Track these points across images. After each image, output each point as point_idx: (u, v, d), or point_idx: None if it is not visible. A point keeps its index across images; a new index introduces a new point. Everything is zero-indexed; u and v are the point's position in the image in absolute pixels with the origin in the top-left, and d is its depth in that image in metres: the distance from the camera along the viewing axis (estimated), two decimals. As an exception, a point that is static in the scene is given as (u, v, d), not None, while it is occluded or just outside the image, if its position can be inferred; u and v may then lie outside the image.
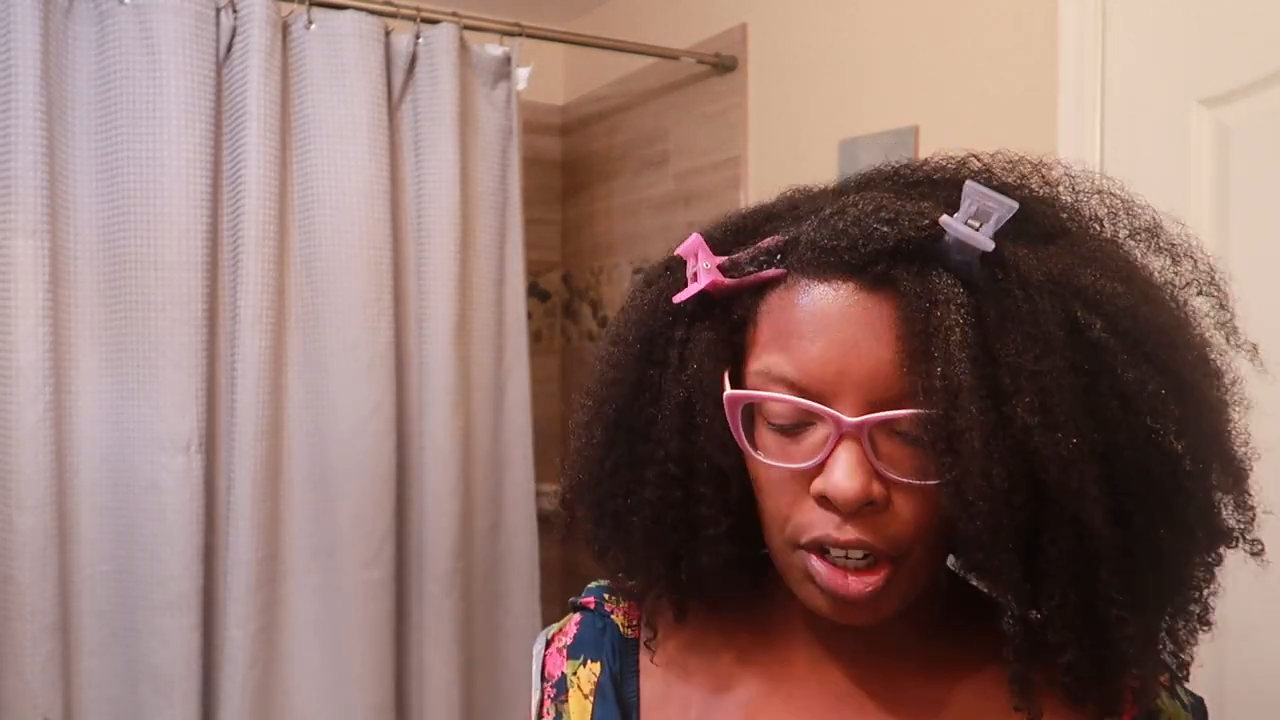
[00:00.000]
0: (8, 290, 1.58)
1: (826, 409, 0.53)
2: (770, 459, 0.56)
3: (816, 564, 0.55)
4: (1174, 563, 0.54)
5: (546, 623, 2.18)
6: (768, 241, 0.59)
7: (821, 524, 0.54)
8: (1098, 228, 0.60)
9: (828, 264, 0.54)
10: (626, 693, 0.66)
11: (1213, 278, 0.60)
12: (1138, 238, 0.61)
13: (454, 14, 1.92)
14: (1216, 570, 0.57)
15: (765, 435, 0.57)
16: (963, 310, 0.51)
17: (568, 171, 2.84)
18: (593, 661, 0.68)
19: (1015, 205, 0.52)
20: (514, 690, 2.04)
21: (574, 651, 0.69)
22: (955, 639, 0.63)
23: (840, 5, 1.91)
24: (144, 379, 1.67)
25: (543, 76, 2.45)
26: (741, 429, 0.57)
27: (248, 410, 1.71)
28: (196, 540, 1.69)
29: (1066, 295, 0.52)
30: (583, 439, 0.65)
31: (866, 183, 0.63)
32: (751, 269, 0.58)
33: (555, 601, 2.74)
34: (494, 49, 2.01)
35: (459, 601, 1.91)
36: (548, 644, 0.71)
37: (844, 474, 0.52)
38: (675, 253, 0.61)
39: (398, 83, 1.90)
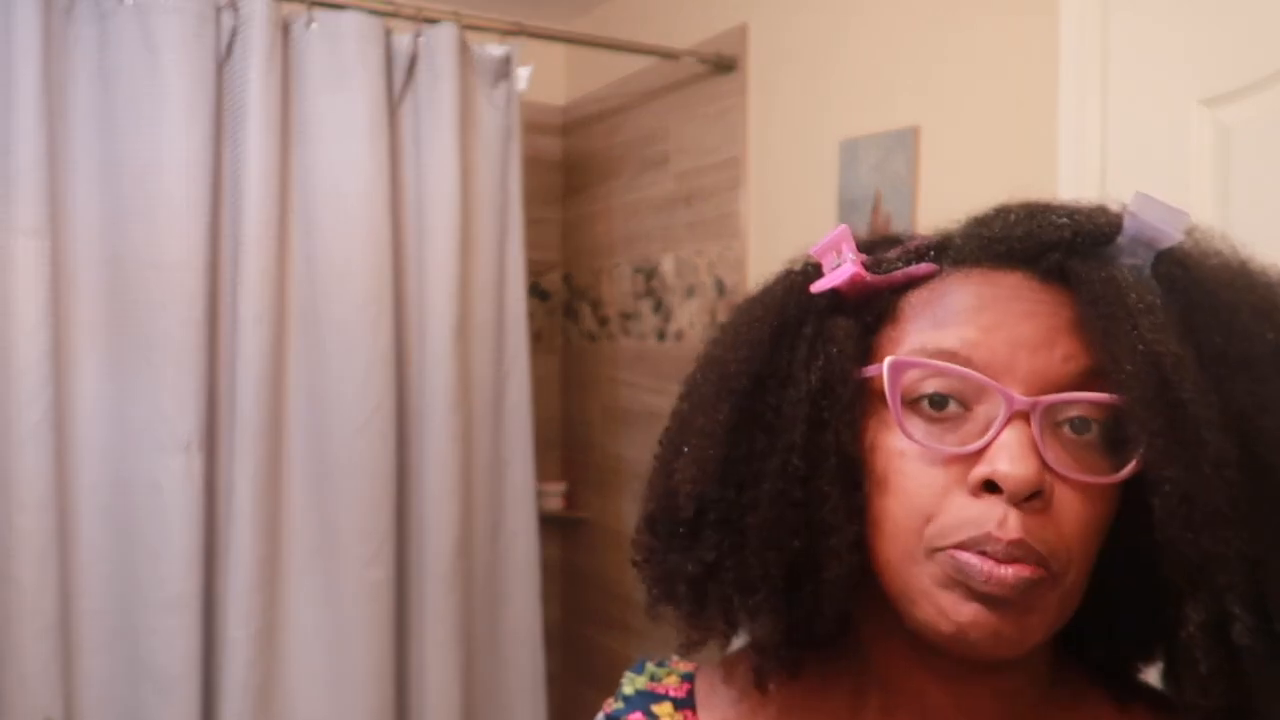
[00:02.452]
0: (8, 290, 1.58)
1: (998, 384, 0.48)
2: (935, 445, 0.50)
3: (967, 557, 0.48)
4: None
5: (547, 622, 2.19)
6: (916, 241, 0.57)
7: (980, 519, 0.48)
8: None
9: (995, 254, 0.53)
10: None
11: None
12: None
13: (454, 14, 1.92)
14: None
15: (912, 425, 0.51)
16: (1157, 296, 0.49)
17: (568, 171, 2.84)
18: None
19: (1188, 214, 0.51)
20: (514, 690, 2.04)
21: None
22: (1081, 699, 0.57)
23: (840, 5, 1.91)
24: (144, 379, 1.67)
25: (543, 76, 2.45)
26: (898, 407, 0.51)
27: (248, 410, 1.71)
28: (197, 540, 1.69)
29: (1242, 297, 0.51)
30: (682, 438, 0.58)
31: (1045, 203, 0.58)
32: (899, 264, 0.55)
33: (555, 601, 2.74)
34: (494, 49, 2.01)
35: (459, 601, 1.91)
36: None
37: (1013, 456, 0.47)
38: (815, 248, 0.57)
39: (398, 83, 1.90)
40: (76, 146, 1.67)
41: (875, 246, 0.58)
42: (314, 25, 1.81)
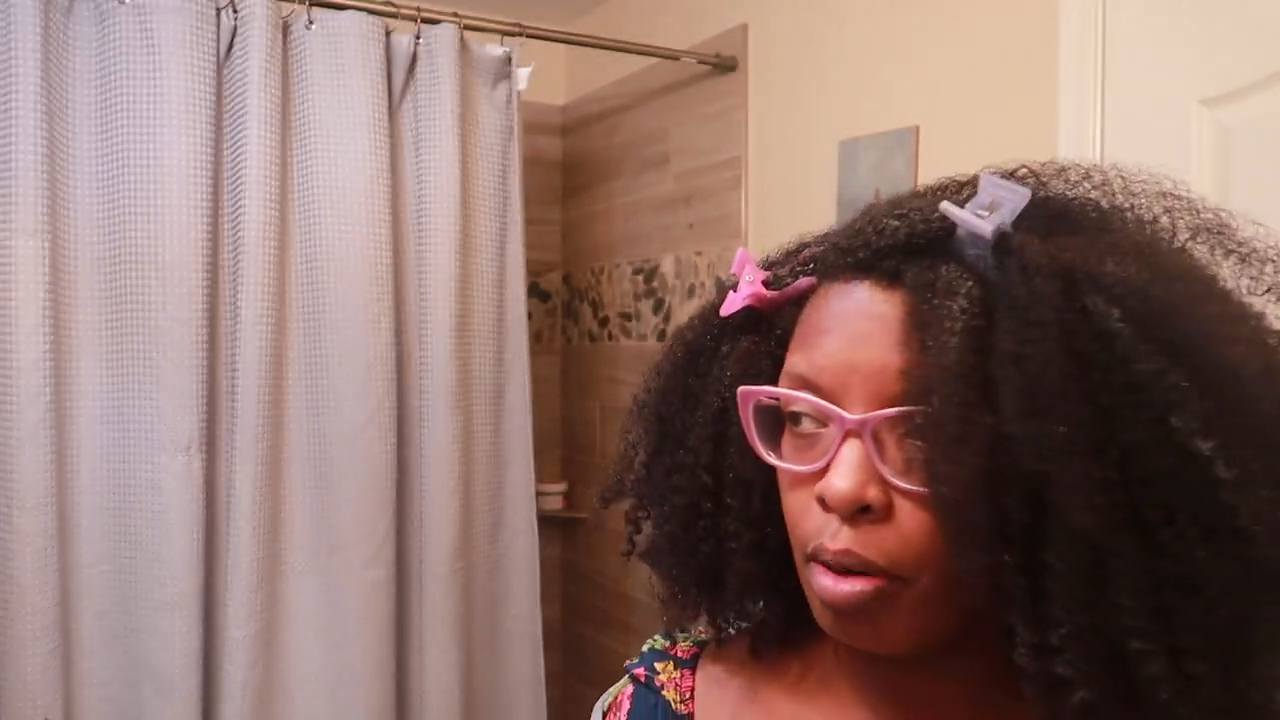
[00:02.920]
0: (8, 290, 1.58)
1: (829, 405, 0.51)
2: (786, 465, 0.54)
3: (816, 573, 0.52)
4: (1224, 596, 0.45)
5: (547, 622, 2.18)
6: (806, 252, 0.59)
7: (819, 531, 0.51)
8: (1150, 229, 0.55)
9: (845, 265, 0.54)
10: None
11: None
12: (1200, 238, 0.56)
13: (454, 14, 1.93)
14: None
15: (788, 442, 0.55)
16: (964, 300, 0.48)
17: (568, 171, 2.84)
18: None
19: (1028, 193, 0.49)
20: (514, 690, 2.04)
21: None
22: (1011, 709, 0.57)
23: (840, 5, 1.91)
24: (144, 379, 1.67)
25: (543, 76, 2.45)
26: (756, 430, 0.55)
27: (248, 410, 1.71)
28: (197, 540, 1.69)
29: (1080, 283, 0.47)
30: (628, 442, 0.66)
31: (914, 194, 0.59)
32: (789, 280, 0.58)
33: (555, 602, 2.74)
34: (494, 49, 2.01)
35: (459, 601, 1.91)
36: (604, 716, 0.68)
37: (839, 473, 0.49)
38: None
39: (398, 83, 1.90)
40: (76, 146, 1.67)
41: (788, 257, 0.61)
42: (314, 25, 1.81)
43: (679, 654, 0.68)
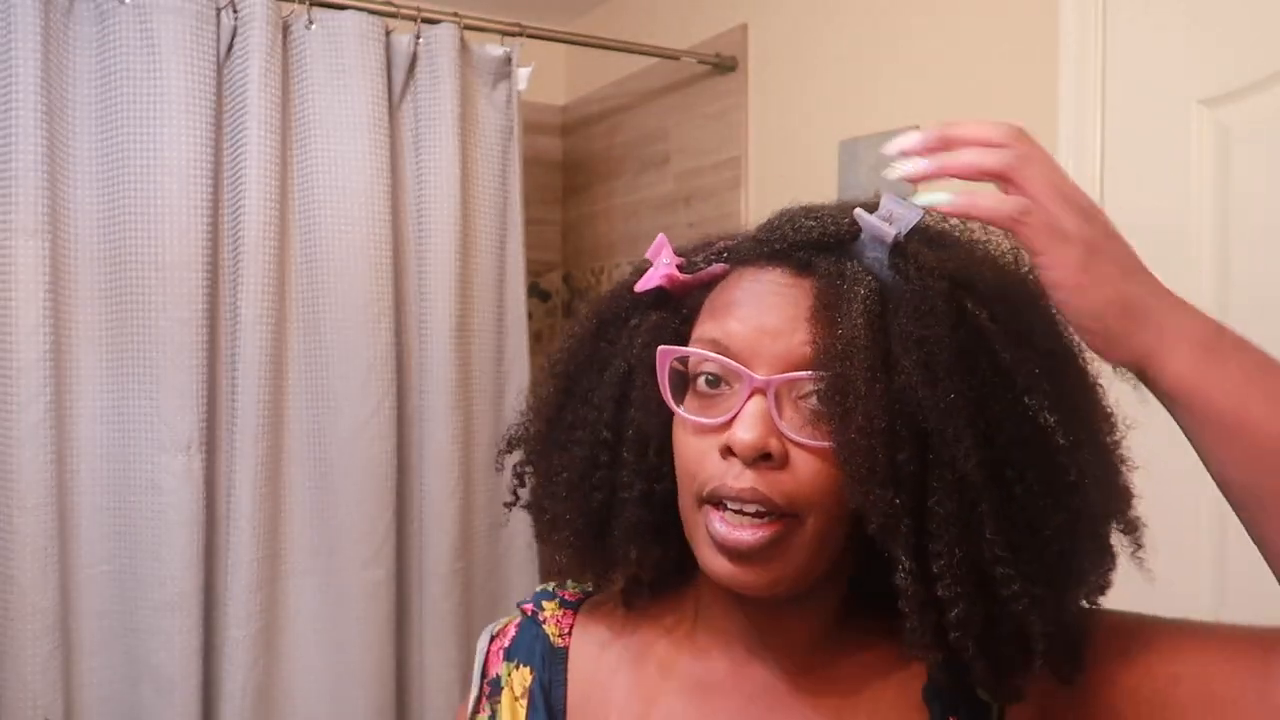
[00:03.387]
0: (8, 290, 1.58)
1: (741, 366, 0.60)
2: (692, 416, 0.62)
3: (714, 516, 0.60)
4: (1058, 535, 0.58)
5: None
6: (718, 244, 0.68)
7: (723, 474, 0.59)
8: (997, 249, 0.66)
9: (761, 254, 0.63)
10: (554, 700, 0.71)
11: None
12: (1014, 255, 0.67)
13: (455, 14, 1.93)
14: (1108, 554, 0.63)
15: (691, 400, 0.63)
16: (866, 288, 0.58)
17: (568, 172, 2.84)
18: (524, 666, 0.73)
19: (921, 212, 0.59)
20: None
21: (510, 654, 0.74)
22: (869, 640, 0.67)
23: (840, 5, 1.91)
24: (144, 379, 1.67)
25: (543, 77, 2.44)
26: (669, 388, 0.63)
27: (248, 410, 1.71)
28: (197, 540, 1.69)
29: (959, 287, 0.59)
30: (536, 397, 0.74)
31: (824, 205, 0.70)
32: (702, 265, 0.67)
33: (555, 602, 2.74)
34: (494, 49, 2.01)
35: (459, 601, 1.91)
36: (491, 640, 0.76)
37: (745, 425, 0.58)
38: (648, 252, 0.69)
39: (398, 83, 1.90)
40: (76, 146, 1.67)
41: (699, 249, 0.69)
42: (314, 25, 1.81)
43: (565, 596, 0.76)
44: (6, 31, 1.57)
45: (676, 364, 0.64)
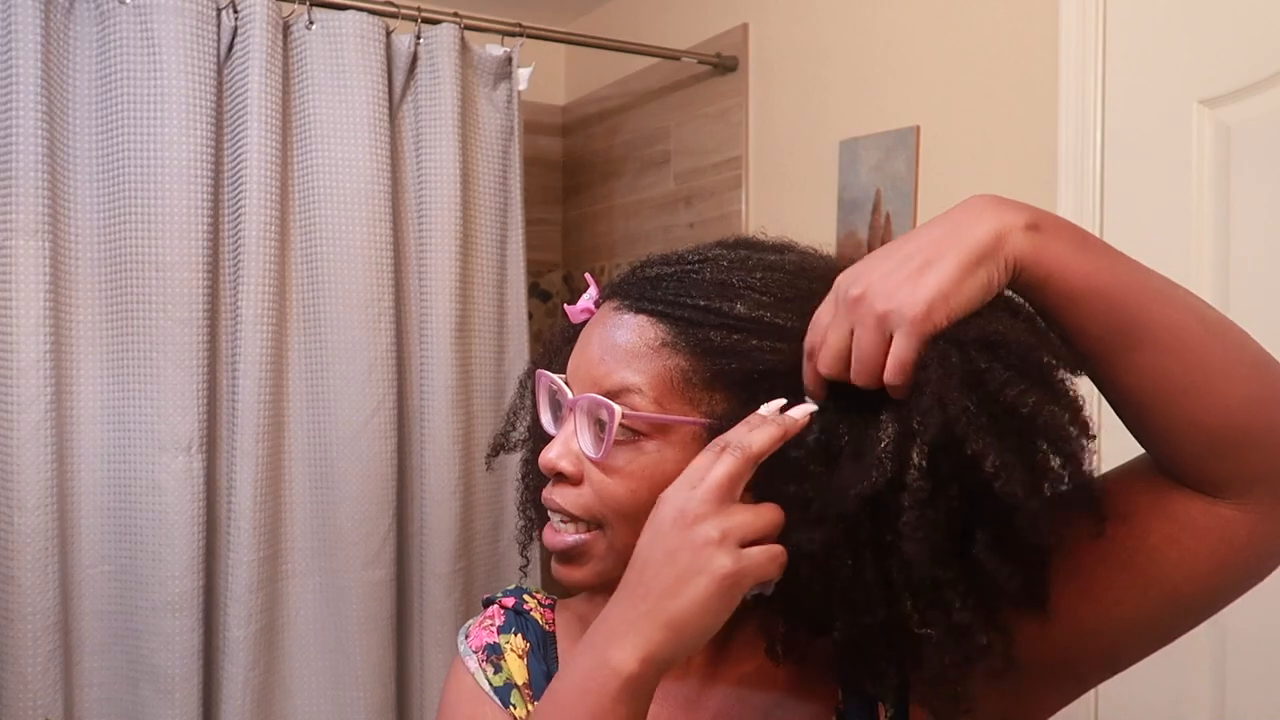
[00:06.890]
0: (8, 290, 1.58)
1: (564, 386, 0.68)
2: (550, 432, 0.71)
3: (546, 530, 0.69)
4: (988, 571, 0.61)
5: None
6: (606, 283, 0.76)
7: (548, 486, 0.68)
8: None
9: (609, 293, 0.71)
10: (551, 666, 0.76)
11: None
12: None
13: (455, 14, 1.92)
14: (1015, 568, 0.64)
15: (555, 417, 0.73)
16: (651, 326, 0.65)
17: (569, 171, 2.84)
18: (519, 634, 0.78)
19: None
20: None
21: (504, 629, 0.79)
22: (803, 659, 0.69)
23: (840, 5, 1.91)
24: (144, 379, 1.67)
25: (544, 76, 2.45)
26: (548, 405, 0.72)
27: (248, 410, 1.71)
28: (197, 540, 1.69)
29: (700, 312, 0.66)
30: (510, 407, 0.83)
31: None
32: (603, 301, 0.73)
33: (556, 602, 2.74)
34: (495, 49, 2.01)
35: (459, 601, 1.91)
36: (467, 636, 0.79)
37: (551, 445, 0.67)
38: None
39: (399, 83, 1.90)
40: (77, 146, 1.67)
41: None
42: (314, 25, 1.81)
43: (540, 599, 0.82)
44: (7, 31, 1.57)
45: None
